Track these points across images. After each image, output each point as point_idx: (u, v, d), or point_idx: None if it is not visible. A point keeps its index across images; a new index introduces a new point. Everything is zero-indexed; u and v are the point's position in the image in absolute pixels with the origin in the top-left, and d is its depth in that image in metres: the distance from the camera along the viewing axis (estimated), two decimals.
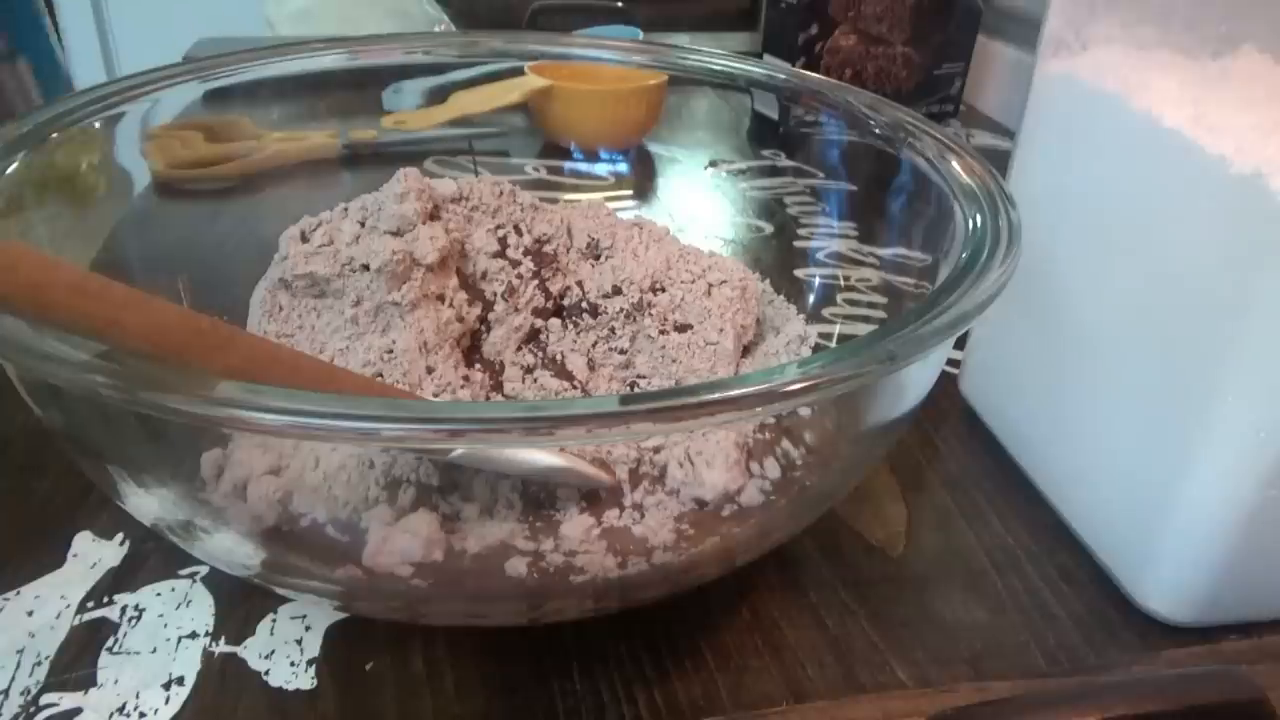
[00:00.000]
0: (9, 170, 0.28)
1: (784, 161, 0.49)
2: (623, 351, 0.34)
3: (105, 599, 0.29)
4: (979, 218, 0.28)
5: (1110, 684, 0.26)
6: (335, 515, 0.26)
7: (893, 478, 0.37)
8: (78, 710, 0.26)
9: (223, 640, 0.28)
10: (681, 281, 0.34)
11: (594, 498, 0.28)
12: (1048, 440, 0.36)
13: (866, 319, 0.39)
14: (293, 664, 0.28)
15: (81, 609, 0.29)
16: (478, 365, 0.33)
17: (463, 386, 0.31)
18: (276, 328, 0.33)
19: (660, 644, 0.29)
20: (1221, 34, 0.28)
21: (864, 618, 0.30)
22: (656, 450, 0.29)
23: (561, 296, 0.34)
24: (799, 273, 0.42)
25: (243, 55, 0.39)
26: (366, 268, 0.31)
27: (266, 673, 0.27)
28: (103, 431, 0.25)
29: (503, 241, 0.34)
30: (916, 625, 0.30)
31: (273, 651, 0.28)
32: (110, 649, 0.28)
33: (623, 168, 0.52)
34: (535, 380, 0.33)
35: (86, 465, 0.27)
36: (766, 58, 0.70)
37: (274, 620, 0.29)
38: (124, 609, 0.29)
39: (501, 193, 0.36)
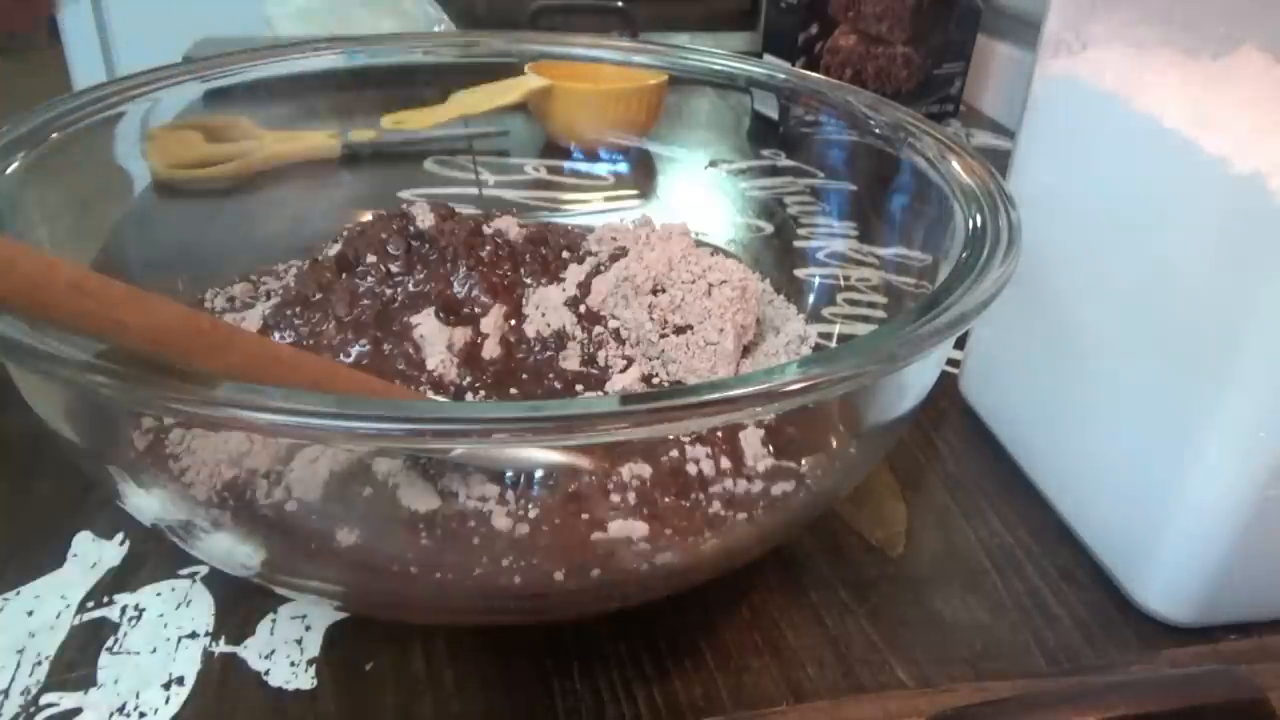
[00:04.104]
0: (9, 170, 0.28)
1: (784, 161, 0.49)
2: (625, 355, 0.34)
3: (105, 599, 0.29)
4: (979, 218, 0.28)
5: (1110, 684, 0.26)
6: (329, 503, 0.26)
7: (893, 478, 0.37)
8: (78, 710, 0.26)
9: (223, 640, 0.28)
10: (682, 282, 0.34)
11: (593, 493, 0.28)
12: (1048, 440, 0.36)
13: (866, 319, 0.39)
14: (293, 664, 0.28)
15: (81, 609, 0.29)
16: (478, 367, 0.33)
17: (464, 387, 0.31)
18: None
19: (660, 644, 0.29)
20: (1222, 34, 0.28)
21: (864, 618, 0.30)
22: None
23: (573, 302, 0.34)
24: (799, 273, 0.42)
25: (243, 55, 0.39)
26: (367, 273, 0.31)
27: (266, 673, 0.27)
28: (102, 431, 0.25)
29: (497, 246, 0.34)
30: (916, 625, 0.30)
31: (273, 651, 0.28)
32: (110, 649, 0.28)
33: (623, 168, 0.52)
34: (536, 382, 0.33)
35: (86, 465, 0.27)
36: (766, 58, 0.70)
37: (274, 620, 0.29)
38: (124, 609, 0.29)
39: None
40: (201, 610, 0.29)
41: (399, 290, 0.32)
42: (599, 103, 0.53)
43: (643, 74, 0.51)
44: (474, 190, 0.51)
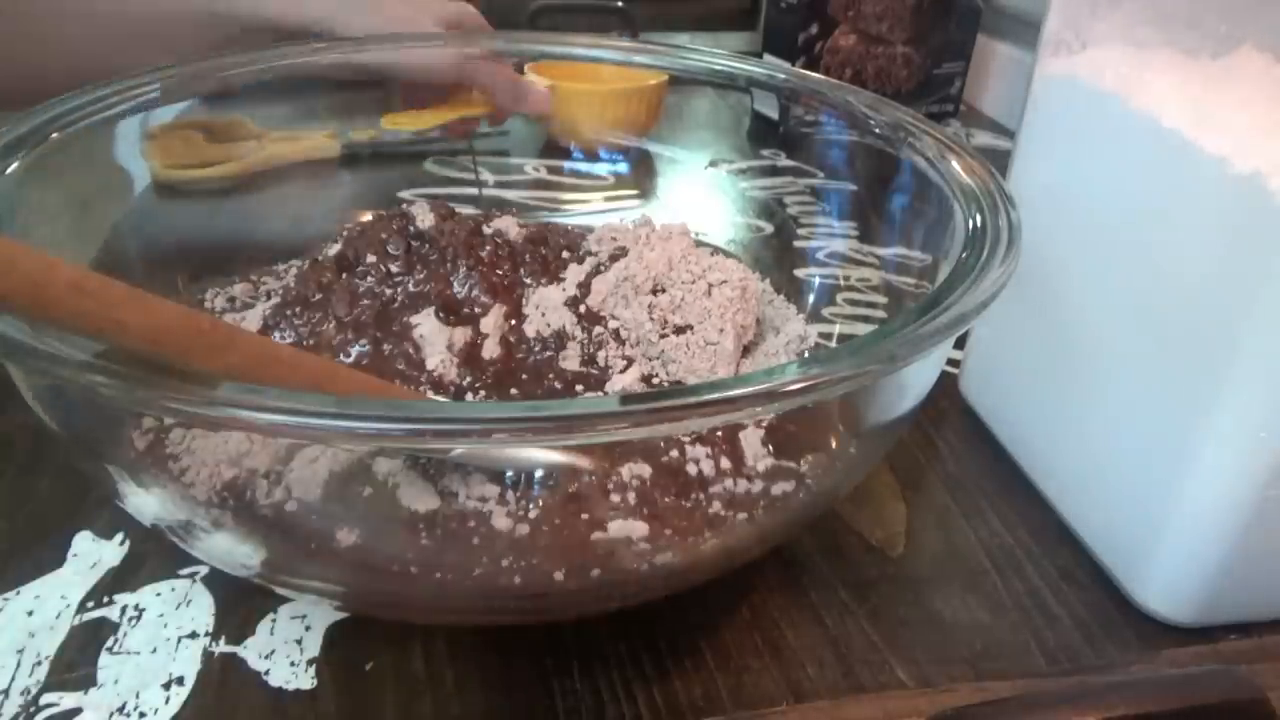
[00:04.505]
0: (9, 170, 0.28)
1: (784, 161, 0.49)
2: (625, 355, 0.34)
3: (105, 599, 0.29)
4: (979, 218, 0.28)
5: (1110, 684, 0.26)
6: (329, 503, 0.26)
7: (893, 478, 0.37)
8: (78, 710, 0.26)
9: (223, 640, 0.28)
10: (682, 282, 0.34)
11: (593, 493, 0.28)
12: (1048, 440, 0.36)
13: (866, 319, 0.39)
14: (293, 664, 0.28)
15: (81, 609, 0.29)
16: (478, 367, 0.33)
17: (464, 387, 0.31)
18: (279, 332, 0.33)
19: (660, 644, 0.29)
20: (1221, 34, 0.28)
21: (864, 618, 0.30)
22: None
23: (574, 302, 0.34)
24: (799, 273, 0.42)
25: (243, 55, 0.38)
26: (367, 273, 0.31)
27: (266, 673, 0.27)
28: (103, 431, 0.25)
29: (497, 246, 0.34)
30: (916, 625, 0.30)
31: (273, 651, 0.28)
32: (110, 649, 0.28)
33: (623, 168, 0.52)
34: (536, 382, 0.33)
35: (86, 465, 0.27)
36: (766, 58, 0.70)
37: (274, 620, 0.29)
38: (124, 609, 0.29)
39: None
40: (201, 610, 0.29)
41: (399, 290, 0.32)
42: (599, 103, 0.53)
43: (643, 74, 0.51)
44: (474, 190, 0.51)
